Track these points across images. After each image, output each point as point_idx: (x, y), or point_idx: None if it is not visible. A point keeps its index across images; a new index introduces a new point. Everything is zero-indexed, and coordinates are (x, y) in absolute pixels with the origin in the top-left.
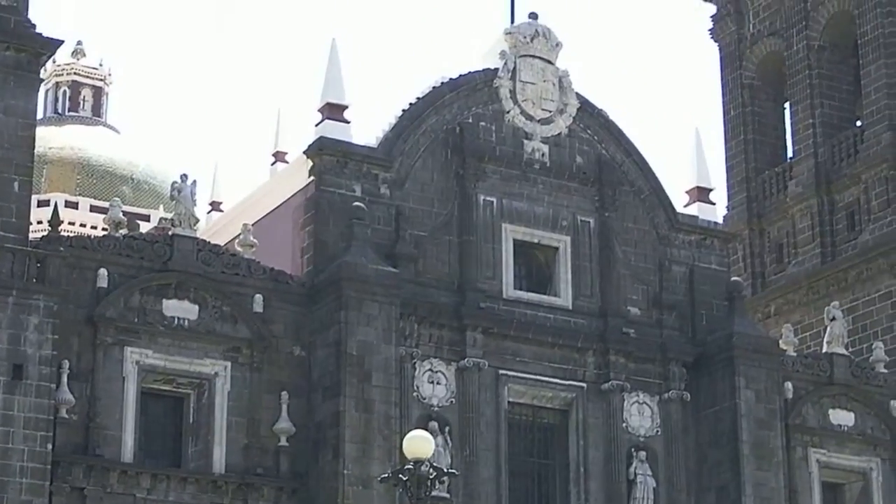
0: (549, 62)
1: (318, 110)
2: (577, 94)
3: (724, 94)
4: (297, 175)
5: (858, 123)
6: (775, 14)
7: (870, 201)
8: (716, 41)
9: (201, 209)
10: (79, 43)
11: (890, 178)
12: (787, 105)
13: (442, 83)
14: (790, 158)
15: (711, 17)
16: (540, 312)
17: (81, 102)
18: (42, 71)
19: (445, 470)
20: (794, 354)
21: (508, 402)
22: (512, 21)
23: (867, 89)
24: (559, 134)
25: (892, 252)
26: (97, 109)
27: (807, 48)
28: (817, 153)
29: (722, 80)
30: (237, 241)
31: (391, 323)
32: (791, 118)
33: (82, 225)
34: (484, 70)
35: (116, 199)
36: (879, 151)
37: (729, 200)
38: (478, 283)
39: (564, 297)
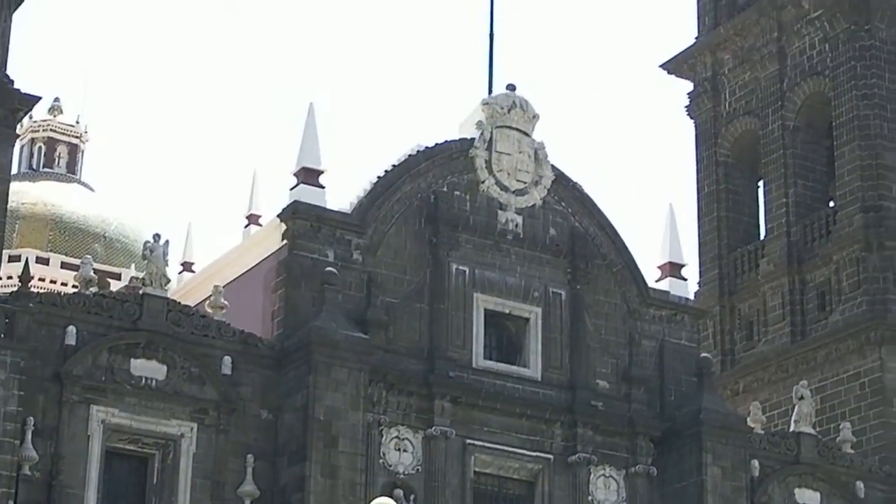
0: (526, 134)
1: (294, 174)
2: (552, 166)
3: (698, 171)
4: (271, 238)
5: (831, 204)
6: (751, 93)
7: (840, 282)
8: (692, 118)
9: (173, 269)
10: (56, 100)
11: (861, 259)
12: (760, 184)
13: (418, 151)
14: (763, 237)
15: (688, 93)
16: (509, 383)
17: (57, 159)
18: (18, 126)
19: None
20: (762, 432)
21: (475, 471)
22: (490, 91)
23: (840, 171)
24: (533, 205)
25: (861, 333)
26: (72, 166)
27: (782, 128)
28: (790, 232)
29: (697, 156)
30: (208, 302)
31: (359, 389)
32: (764, 197)
33: (53, 281)
34: (460, 139)
35: (88, 256)
36: (851, 233)
37: (701, 277)
38: (448, 351)
39: (534, 369)
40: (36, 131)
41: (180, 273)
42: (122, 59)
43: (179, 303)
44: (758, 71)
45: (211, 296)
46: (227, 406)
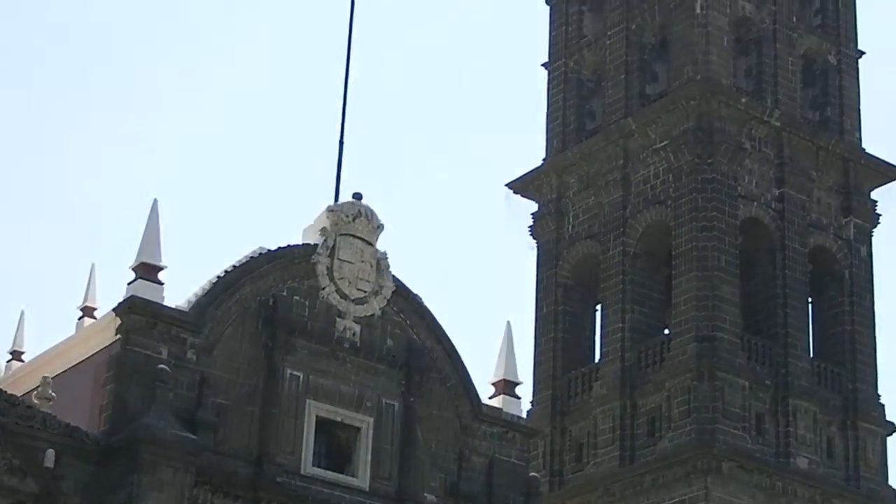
0: (369, 243)
1: (133, 269)
2: (393, 276)
3: (538, 291)
4: (105, 332)
5: (666, 332)
6: (595, 218)
7: (671, 409)
8: (535, 238)
9: (1, 357)
10: None
11: (692, 387)
12: (598, 307)
13: (260, 254)
14: (597, 360)
15: (532, 214)
16: (336, 491)
17: None
18: None
19: None
20: None
21: None
22: (336, 199)
23: (677, 299)
24: (372, 315)
25: (689, 461)
26: None
27: (622, 254)
28: (624, 357)
29: (538, 276)
30: (35, 393)
31: (184, 490)
32: (602, 321)
33: None
34: (303, 245)
35: None
36: (684, 361)
37: (534, 396)
38: (277, 457)
39: (362, 479)
40: None
41: (9, 362)
42: None
43: (5, 392)
44: (602, 196)
45: (39, 386)
46: (48, 500)
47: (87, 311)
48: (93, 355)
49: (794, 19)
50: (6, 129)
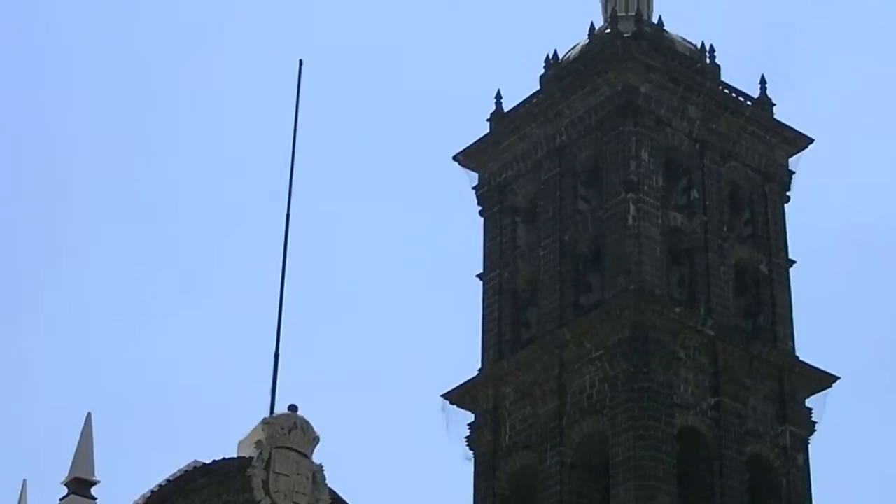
0: (305, 455)
1: (65, 483)
2: (330, 489)
3: (475, 502)
4: None
5: None
6: (531, 427)
7: None
8: (472, 449)
9: None
10: None
11: None
12: None
13: (194, 467)
14: None
15: (468, 424)
16: None
17: None
18: None
19: None
20: None
21: None
22: (272, 411)
23: None
24: None
25: None
26: None
27: (559, 464)
28: None
29: (475, 487)
30: None
31: None
32: None
33: None
34: (238, 458)
35: None
36: None
37: None
38: None
39: None
40: None
41: None
42: None
43: None
44: (538, 406)
45: None
46: None
47: None
48: None
49: (725, 229)
50: None
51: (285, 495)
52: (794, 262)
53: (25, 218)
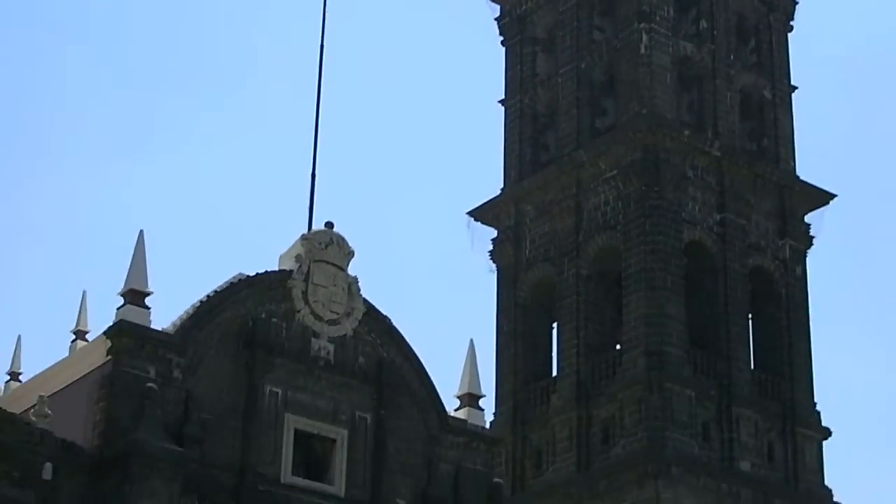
0: (341, 268)
1: (121, 295)
2: (364, 299)
3: (499, 311)
4: (96, 353)
5: (618, 347)
6: (550, 243)
7: (623, 418)
8: (495, 262)
9: (0, 378)
10: None
11: (643, 398)
12: (555, 326)
13: (239, 280)
14: (555, 374)
15: (492, 239)
16: (314, 499)
17: None
18: None
19: None
20: None
21: None
22: (309, 228)
23: (627, 317)
24: (345, 335)
25: (640, 466)
26: None
27: (576, 276)
28: (579, 371)
29: (498, 297)
30: (33, 410)
31: (172, 499)
32: (558, 338)
33: None
34: (280, 271)
35: None
36: (635, 374)
37: (497, 408)
38: (258, 467)
39: (338, 486)
40: None
41: (7, 382)
42: None
43: (4, 410)
44: (556, 223)
45: (36, 405)
46: None
47: (80, 335)
48: (86, 375)
49: (732, 57)
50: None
51: (323, 304)
52: (797, 87)
53: (70, 38)
